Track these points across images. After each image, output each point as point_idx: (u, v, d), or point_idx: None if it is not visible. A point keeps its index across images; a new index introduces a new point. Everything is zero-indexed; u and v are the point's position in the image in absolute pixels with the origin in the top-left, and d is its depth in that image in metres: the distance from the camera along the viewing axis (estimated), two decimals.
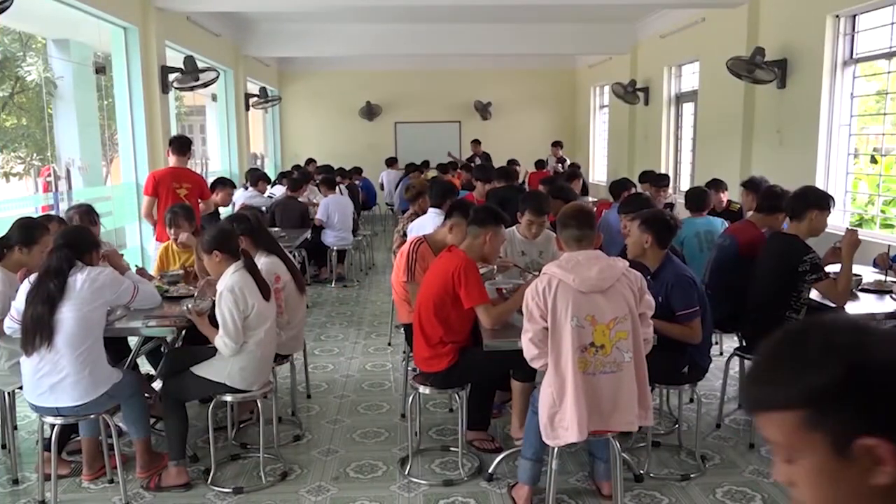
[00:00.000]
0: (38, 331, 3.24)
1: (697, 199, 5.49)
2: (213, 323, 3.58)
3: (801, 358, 0.92)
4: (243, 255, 3.67)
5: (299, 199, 8.56)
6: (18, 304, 3.32)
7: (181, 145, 6.18)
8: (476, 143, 14.26)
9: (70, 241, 3.44)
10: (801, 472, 0.94)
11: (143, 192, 6.13)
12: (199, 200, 6.13)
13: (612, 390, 2.96)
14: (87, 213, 4.59)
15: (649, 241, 3.59)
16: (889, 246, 5.05)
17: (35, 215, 5.06)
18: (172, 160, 6.19)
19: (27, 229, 3.70)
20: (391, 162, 13.45)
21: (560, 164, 12.53)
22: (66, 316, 3.25)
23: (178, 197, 5.91)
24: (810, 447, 0.92)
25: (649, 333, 3.08)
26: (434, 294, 3.57)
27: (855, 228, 4.22)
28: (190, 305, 3.65)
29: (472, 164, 11.76)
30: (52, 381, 3.28)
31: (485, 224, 3.67)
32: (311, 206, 8.73)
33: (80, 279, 3.32)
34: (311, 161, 12.57)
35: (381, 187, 13.29)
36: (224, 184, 7.08)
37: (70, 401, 3.31)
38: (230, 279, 3.51)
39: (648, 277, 3.64)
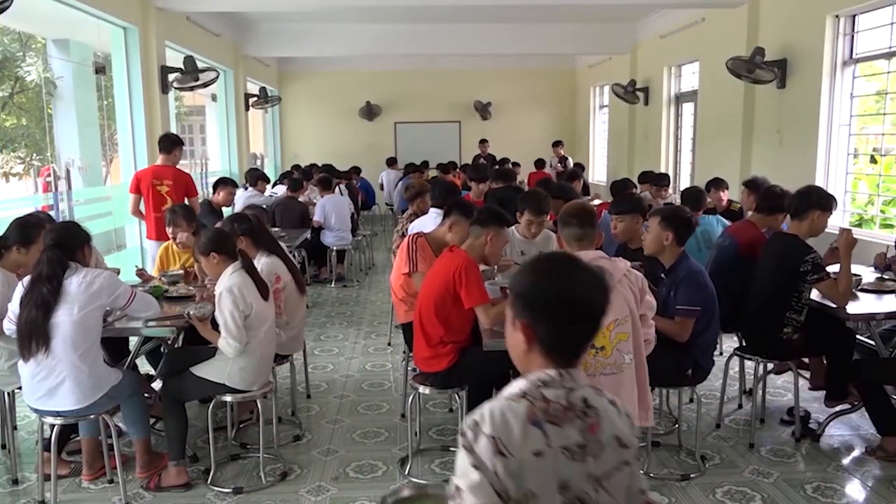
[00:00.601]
0: (33, 336, 3.19)
1: (694, 198, 5.59)
2: (215, 327, 3.58)
3: (524, 270, 1.55)
4: (241, 255, 3.66)
5: (299, 200, 8.56)
6: (14, 306, 3.29)
7: (168, 144, 6.37)
8: (483, 142, 13.93)
9: (60, 239, 3.36)
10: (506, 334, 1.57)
11: (129, 190, 6.37)
12: (186, 199, 6.27)
13: (612, 392, 2.93)
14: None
15: (669, 238, 3.60)
16: (888, 246, 5.05)
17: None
18: (159, 158, 6.41)
19: (24, 228, 3.66)
20: (391, 162, 13.44)
21: (561, 164, 12.53)
22: (62, 320, 3.22)
23: (160, 194, 6.14)
24: (509, 318, 1.53)
25: (651, 334, 3.07)
26: (435, 293, 3.57)
27: (848, 228, 4.23)
28: (192, 312, 3.63)
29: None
30: (51, 385, 3.26)
31: (487, 224, 3.66)
32: (311, 206, 8.74)
33: (75, 282, 3.27)
34: (313, 166, 12.51)
35: (381, 187, 13.29)
36: (226, 183, 7.10)
37: (69, 405, 3.30)
38: (229, 280, 3.51)
39: (662, 274, 3.65)
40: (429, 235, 4.29)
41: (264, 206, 7.62)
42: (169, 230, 4.86)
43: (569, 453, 1.39)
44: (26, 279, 3.31)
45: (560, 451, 1.38)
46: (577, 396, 1.45)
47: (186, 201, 6.07)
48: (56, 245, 3.32)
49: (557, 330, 1.45)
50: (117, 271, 4.26)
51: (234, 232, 4.03)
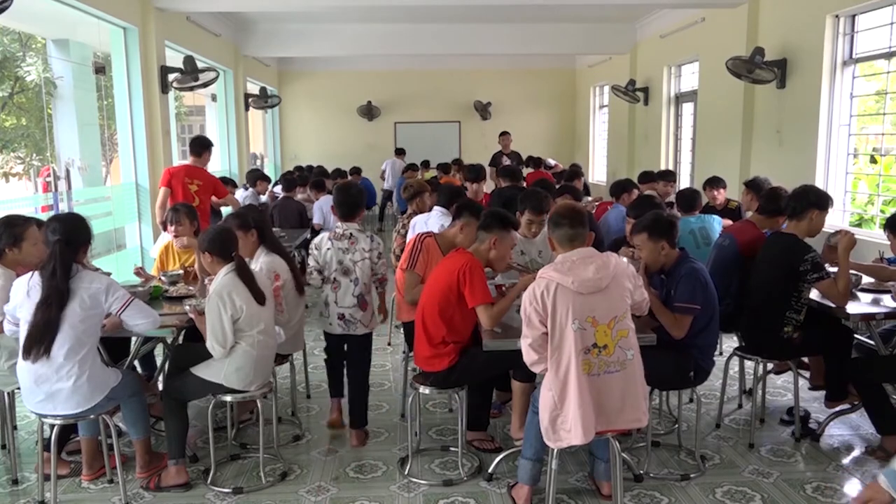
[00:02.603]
0: (45, 337, 3.16)
1: (688, 199, 5.65)
2: None
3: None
4: (236, 257, 3.64)
5: (297, 199, 8.57)
6: (11, 307, 3.26)
7: (198, 147, 6.60)
8: (504, 135, 11.84)
9: (68, 234, 3.30)
10: None
11: (159, 184, 6.54)
12: (214, 198, 6.61)
13: (619, 389, 2.96)
14: None
15: (665, 247, 3.62)
16: None
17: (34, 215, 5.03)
18: (190, 159, 6.58)
19: (9, 228, 3.61)
20: (400, 152, 13.47)
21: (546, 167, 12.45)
22: (62, 325, 3.19)
23: (189, 192, 6.32)
24: None
25: (644, 295, 3.15)
26: (439, 292, 3.57)
27: (849, 230, 4.23)
28: (193, 304, 3.64)
29: (505, 161, 10.72)
30: (50, 389, 3.25)
31: (490, 229, 3.65)
32: (310, 204, 8.75)
33: (75, 286, 3.23)
34: (310, 167, 12.48)
35: (382, 176, 13.33)
36: (226, 184, 7.13)
37: (68, 408, 3.29)
38: (219, 283, 3.49)
39: (662, 275, 3.66)
40: (439, 236, 4.27)
41: (261, 206, 7.65)
42: (170, 228, 4.86)
43: (342, 251, 3.97)
44: (34, 278, 3.24)
45: (338, 248, 3.98)
46: (348, 232, 3.98)
47: (214, 200, 6.46)
48: (65, 240, 3.27)
49: (337, 210, 4.07)
50: (108, 275, 4.24)
51: (248, 222, 4.04)
